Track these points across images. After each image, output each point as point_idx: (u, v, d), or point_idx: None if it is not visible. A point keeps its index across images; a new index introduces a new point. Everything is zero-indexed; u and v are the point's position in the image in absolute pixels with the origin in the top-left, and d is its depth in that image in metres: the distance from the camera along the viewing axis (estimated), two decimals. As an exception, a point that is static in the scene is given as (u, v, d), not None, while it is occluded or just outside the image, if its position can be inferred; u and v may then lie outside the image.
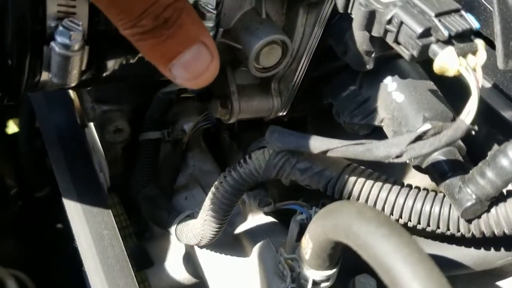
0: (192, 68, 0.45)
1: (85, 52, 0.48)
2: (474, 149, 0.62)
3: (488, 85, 0.61)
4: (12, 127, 1.53)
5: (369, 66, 0.58)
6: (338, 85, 0.67)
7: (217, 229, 0.62)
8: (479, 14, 0.57)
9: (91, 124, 0.97)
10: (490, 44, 0.58)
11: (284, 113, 0.70)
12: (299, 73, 0.66)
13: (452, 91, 0.58)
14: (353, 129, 0.64)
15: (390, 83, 0.60)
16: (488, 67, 0.60)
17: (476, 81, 0.44)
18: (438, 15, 0.46)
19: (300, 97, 0.70)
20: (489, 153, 0.63)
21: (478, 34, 0.58)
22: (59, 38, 0.45)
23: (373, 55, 0.57)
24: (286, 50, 0.60)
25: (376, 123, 0.60)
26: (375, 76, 0.61)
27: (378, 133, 0.63)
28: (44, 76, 0.50)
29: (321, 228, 0.43)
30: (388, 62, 0.60)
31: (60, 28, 0.45)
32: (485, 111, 0.60)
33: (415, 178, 0.60)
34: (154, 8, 0.42)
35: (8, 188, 1.39)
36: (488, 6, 0.55)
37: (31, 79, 0.50)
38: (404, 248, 0.35)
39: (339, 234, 0.40)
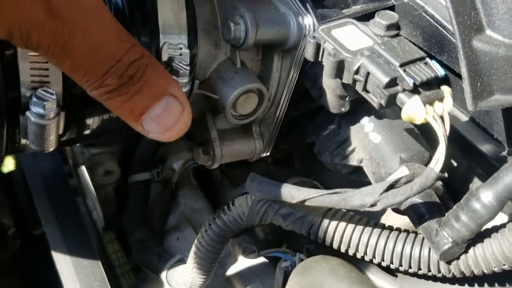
0: (163, 121, 0.46)
1: (61, 118, 0.49)
2: (455, 183, 0.62)
3: (465, 118, 0.62)
4: (8, 165, 1.54)
5: (345, 109, 0.59)
6: (318, 124, 0.67)
7: (205, 277, 0.63)
8: (450, 52, 0.58)
9: (83, 166, 0.98)
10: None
11: (268, 154, 0.71)
12: (278, 115, 0.66)
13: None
14: (335, 168, 0.65)
15: (366, 124, 0.60)
16: (464, 101, 0.60)
17: (444, 130, 0.44)
18: (402, 65, 0.46)
19: (282, 137, 0.71)
20: (470, 186, 0.64)
21: (451, 70, 0.59)
22: (33, 108, 0.46)
23: (347, 99, 0.58)
24: (263, 97, 0.61)
25: (356, 163, 0.61)
26: (352, 116, 0.62)
27: (360, 171, 0.63)
28: (23, 141, 0.51)
29: (298, 285, 0.43)
30: (364, 102, 0.61)
31: (34, 99, 0.46)
32: (463, 146, 0.60)
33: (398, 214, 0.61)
34: (117, 67, 0.43)
35: (5, 228, 1.40)
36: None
37: (11, 146, 0.51)
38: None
39: (315, 291, 0.41)
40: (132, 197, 0.88)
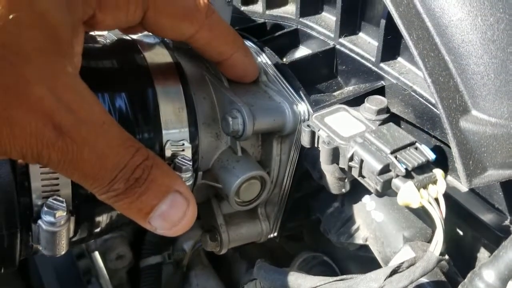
0: (170, 217, 0.48)
1: (71, 222, 0.51)
2: (463, 252, 0.62)
3: (464, 189, 0.63)
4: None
5: (345, 190, 0.61)
6: (322, 202, 0.69)
7: None
8: (442, 128, 0.60)
9: (96, 252, 1.00)
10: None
11: (275, 234, 0.72)
12: (282, 196, 0.68)
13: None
14: (342, 245, 0.66)
15: (368, 202, 0.62)
16: (462, 171, 0.62)
17: (440, 213, 0.46)
18: (393, 152, 0.48)
19: (288, 216, 0.72)
20: (478, 255, 0.64)
21: (445, 144, 0.61)
22: (44, 217, 0.48)
23: (346, 180, 0.59)
24: (265, 183, 0.63)
25: (361, 241, 0.62)
26: (354, 195, 0.63)
27: (367, 248, 0.64)
28: (35, 246, 0.53)
29: None
30: (364, 181, 0.62)
31: (45, 208, 0.48)
32: (466, 217, 0.61)
33: None
34: (123, 173, 0.45)
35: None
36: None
37: (24, 251, 0.53)
38: None
39: None
40: (144, 281, 0.89)
